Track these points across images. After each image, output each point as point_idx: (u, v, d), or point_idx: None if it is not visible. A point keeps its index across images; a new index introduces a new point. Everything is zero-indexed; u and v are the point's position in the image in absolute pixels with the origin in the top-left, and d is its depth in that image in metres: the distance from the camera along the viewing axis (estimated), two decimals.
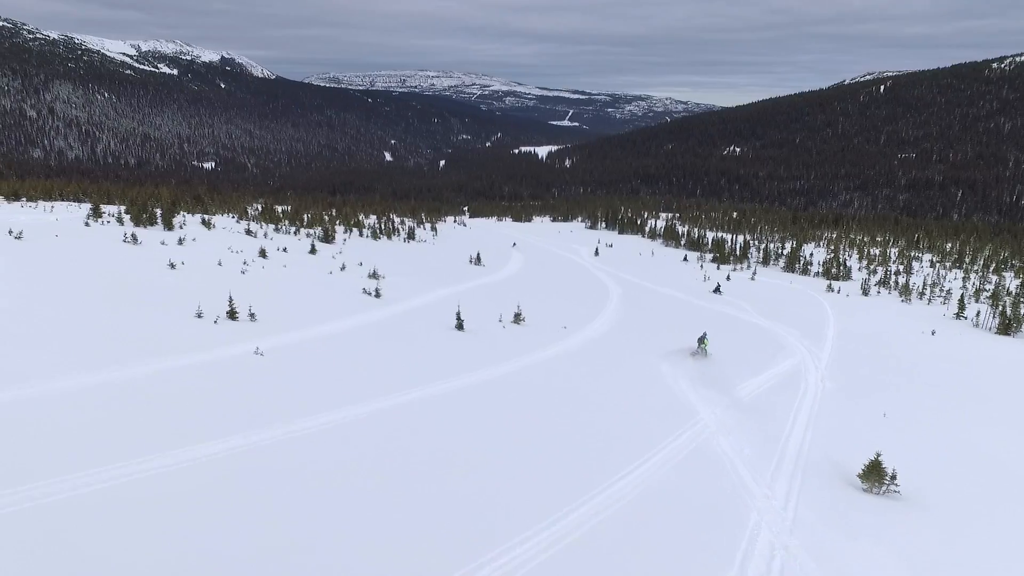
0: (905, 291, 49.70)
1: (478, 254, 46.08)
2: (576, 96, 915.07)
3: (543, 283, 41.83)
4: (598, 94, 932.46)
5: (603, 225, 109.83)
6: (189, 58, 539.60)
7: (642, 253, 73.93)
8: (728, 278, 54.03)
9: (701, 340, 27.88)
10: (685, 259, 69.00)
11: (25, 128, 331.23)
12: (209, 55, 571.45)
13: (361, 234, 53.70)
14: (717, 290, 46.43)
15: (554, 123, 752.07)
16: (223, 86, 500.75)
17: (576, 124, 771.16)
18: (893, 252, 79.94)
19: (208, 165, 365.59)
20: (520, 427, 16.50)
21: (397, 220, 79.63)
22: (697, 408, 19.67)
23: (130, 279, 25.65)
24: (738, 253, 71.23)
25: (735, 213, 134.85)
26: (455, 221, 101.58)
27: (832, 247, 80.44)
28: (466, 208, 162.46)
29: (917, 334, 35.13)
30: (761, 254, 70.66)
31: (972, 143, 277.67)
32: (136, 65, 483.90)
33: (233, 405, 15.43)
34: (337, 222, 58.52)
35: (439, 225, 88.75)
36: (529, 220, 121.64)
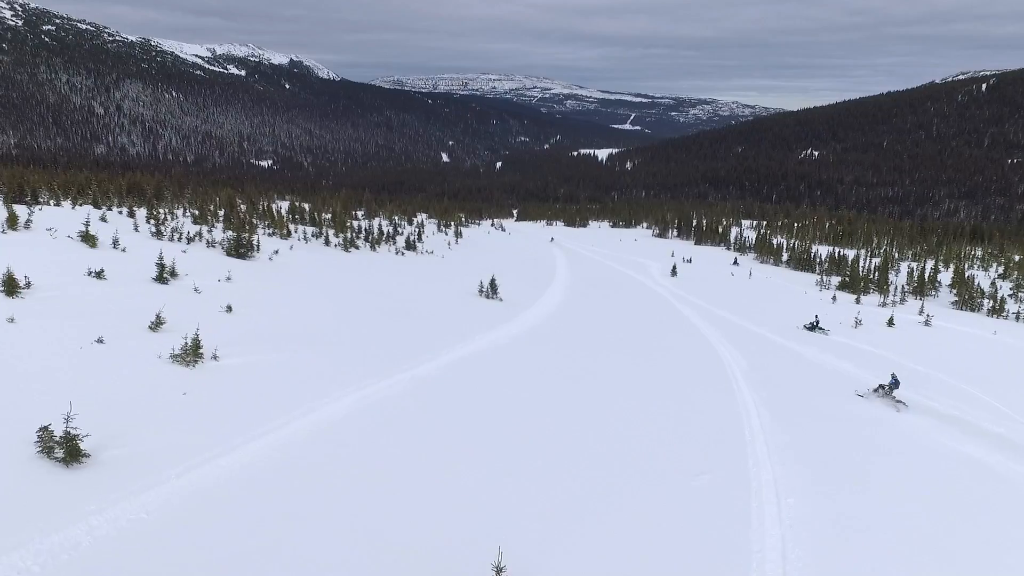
0: None
1: (492, 280, 27.64)
2: (638, 100, 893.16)
3: (596, 345, 22.32)
4: (661, 97, 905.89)
5: (675, 233, 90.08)
6: (259, 60, 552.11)
7: (735, 273, 54.33)
8: (891, 322, 34.11)
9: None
10: (805, 289, 48.88)
11: (91, 125, 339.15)
12: (279, 58, 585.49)
13: (328, 242, 36.35)
14: (814, 327, 29.51)
15: (615, 126, 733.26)
16: (288, 86, 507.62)
17: (638, 128, 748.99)
18: None
19: (265, 163, 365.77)
20: None
21: (417, 222, 62.69)
22: None
23: None
24: (876, 278, 50.70)
25: (834, 221, 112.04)
26: (493, 224, 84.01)
27: (1000, 272, 58.39)
28: (514, 210, 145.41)
29: None
30: (911, 281, 49.80)
31: None
32: (206, 66, 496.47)
33: None
34: (299, 221, 41.75)
35: (470, 229, 71.30)
36: (584, 225, 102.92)
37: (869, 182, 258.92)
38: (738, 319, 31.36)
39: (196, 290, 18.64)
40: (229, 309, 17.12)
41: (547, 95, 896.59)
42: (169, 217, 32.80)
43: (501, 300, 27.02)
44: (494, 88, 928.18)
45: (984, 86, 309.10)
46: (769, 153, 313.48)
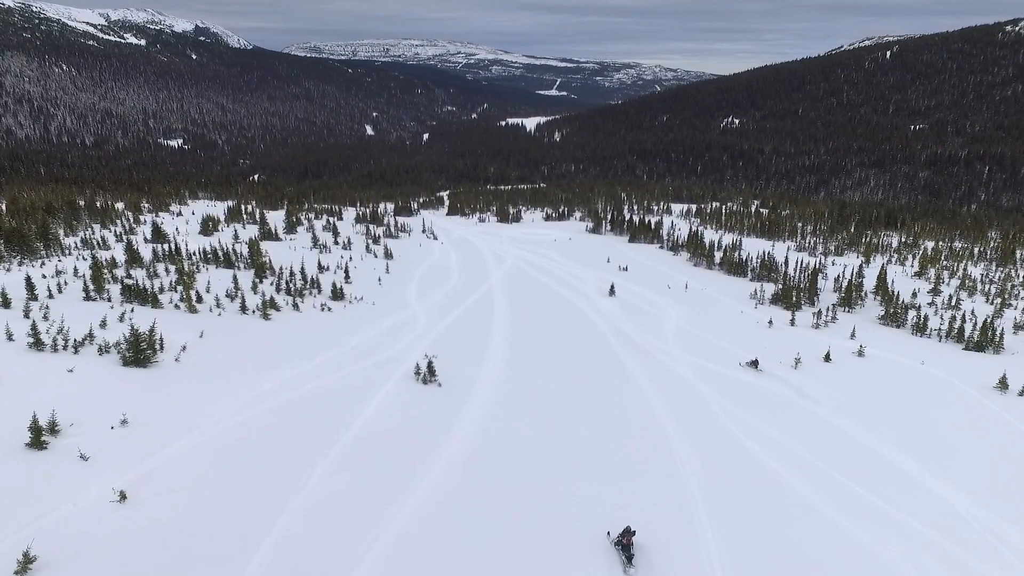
0: None
1: (429, 363, 25.74)
2: (564, 64, 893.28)
3: (542, 458, 20.61)
4: (586, 62, 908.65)
5: (607, 227, 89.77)
6: (160, 27, 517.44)
7: (671, 286, 54.28)
8: (828, 357, 34.52)
9: None
10: (740, 308, 49.23)
11: None
12: (182, 24, 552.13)
13: (245, 307, 32.43)
14: (754, 363, 33.39)
15: (541, 92, 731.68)
16: (195, 57, 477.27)
17: (564, 93, 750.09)
18: (994, 272, 60.78)
19: (175, 143, 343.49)
20: None
21: (343, 241, 58.56)
22: None
23: None
24: (806, 285, 51.71)
25: (758, 202, 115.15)
26: (424, 231, 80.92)
27: (919, 267, 60.99)
28: (445, 195, 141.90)
29: None
30: (839, 288, 51.07)
31: (990, 112, 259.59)
32: (100, 35, 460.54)
33: None
34: (212, 260, 37.74)
35: (400, 242, 68.34)
36: (518, 220, 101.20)
37: (787, 151, 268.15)
38: (688, 371, 30.87)
39: (82, 457, 15.73)
40: (123, 497, 14.43)
41: (472, 60, 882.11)
42: (56, 290, 28.74)
43: (440, 385, 25.07)
44: (417, 54, 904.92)
45: (888, 53, 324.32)
46: (693, 123, 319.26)
